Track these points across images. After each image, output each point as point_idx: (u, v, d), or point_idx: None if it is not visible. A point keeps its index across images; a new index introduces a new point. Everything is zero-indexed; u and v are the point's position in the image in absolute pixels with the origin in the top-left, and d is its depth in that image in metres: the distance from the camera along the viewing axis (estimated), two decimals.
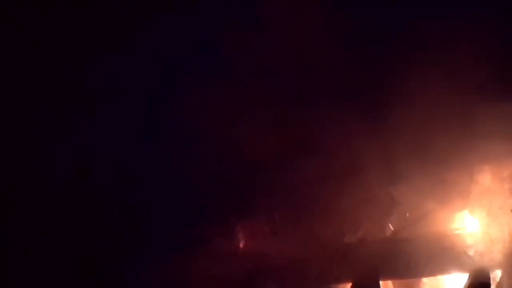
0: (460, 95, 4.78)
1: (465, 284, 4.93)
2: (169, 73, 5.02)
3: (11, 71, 4.86)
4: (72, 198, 4.87)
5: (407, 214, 5.23)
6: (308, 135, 4.88)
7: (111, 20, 4.91)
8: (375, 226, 5.21)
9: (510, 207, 5.00)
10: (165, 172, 4.94)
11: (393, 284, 5.35)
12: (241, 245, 5.08)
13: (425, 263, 4.96)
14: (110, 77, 4.90)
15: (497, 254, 4.94)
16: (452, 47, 4.87)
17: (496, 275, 5.02)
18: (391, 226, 5.24)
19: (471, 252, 5.00)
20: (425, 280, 5.30)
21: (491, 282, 4.94)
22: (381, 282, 5.05)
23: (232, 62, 4.94)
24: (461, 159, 4.96)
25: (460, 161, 4.96)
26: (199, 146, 4.96)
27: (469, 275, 4.93)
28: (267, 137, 4.84)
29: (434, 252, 4.97)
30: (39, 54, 4.86)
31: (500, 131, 4.93)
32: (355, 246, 5.10)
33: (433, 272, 5.09)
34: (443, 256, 4.98)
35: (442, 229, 5.20)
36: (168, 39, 5.00)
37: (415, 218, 5.24)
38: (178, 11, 5.02)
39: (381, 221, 5.20)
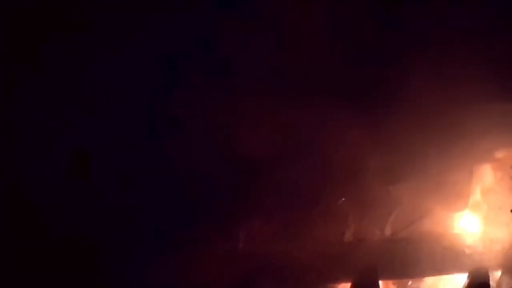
0: (460, 95, 4.79)
1: (465, 284, 4.94)
2: (169, 73, 5.02)
3: (11, 71, 4.85)
4: (72, 198, 4.86)
5: (407, 214, 5.24)
6: (308, 135, 4.88)
7: (111, 20, 4.90)
8: (375, 226, 5.22)
9: (510, 207, 5.02)
10: (165, 172, 4.93)
11: (393, 284, 5.37)
12: (241, 245, 5.07)
13: (425, 263, 4.98)
14: (110, 77, 4.89)
15: (497, 254, 4.95)
16: (451, 47, 4.88)
17: (496, 275, 5.03)
18: (391, 226, 5.24)
19: (471, 252, 5.01)
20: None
21: (491, 282, 4.95)
22: (381, 282, 5.06)
23: (232, 61, 4.95)
24: (461, 159, 4.97)
25: (459, 161, 4.97)
26: (199, 146, 4.96)
27: (469, 275, 4.95)
28: (267, 137, 4.84)
29: (434, 252, 4.99)
30: (39, 53, 4.85)
31: (500, 131, 4.95)
32: (355, 246, 5.10)
33: (433, 272, 5.11)
34: (443, 256, 5.00)
35: (442, 229, 5.21)
36: (168, 38, 5.00)
37: (415, 218, 5.25)
38: (178, 11, 5.02)
39: (381, 221, 5.21)
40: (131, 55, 4.91)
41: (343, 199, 5.11)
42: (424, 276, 5.22)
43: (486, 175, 5.22)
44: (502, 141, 5.02)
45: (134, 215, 4.89)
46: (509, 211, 5.01)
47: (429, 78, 4.84)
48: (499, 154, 5.10)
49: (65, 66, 4.84)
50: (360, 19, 5.02)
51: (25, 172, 4.83)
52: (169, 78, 5.02)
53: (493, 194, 5.16)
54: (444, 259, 5.00)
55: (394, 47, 4.97)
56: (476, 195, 5.18)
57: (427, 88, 4.83)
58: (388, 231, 5.25)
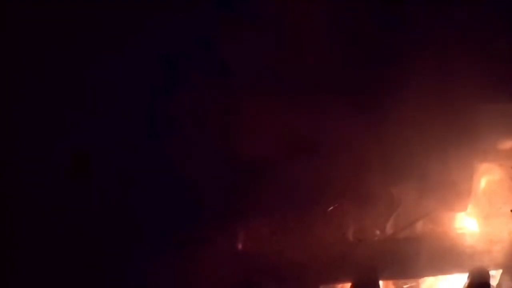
0: (460, 95, 4.79)
1: (465, 284, 4.94)
2: (169, 73, 5.02)
3: (11, 71, 4.85)
4: (72, 198, 4.86)
5: (407, 214, 5.24)
6: (309, 135, 4.88)
7: (111, 20, 4.90)
8: (375, 226, 5.22)
9: (510, 207, 5.02)
10: (165, 172, 4.93)
11: (393, 284, 5.37)
12: (241, 245, 5.07)
13: (425, 263, 4.97)
14: (110, 77, 4.89)
15: (497, 254, 4.95)
16: (451, 47, 4.88)
17: (496, 275, 5.03)
18: (391, 226, 5.25)
19: (471, 252, 5.01)
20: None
21: (491, 282, 4.96)
22: (381, 282, 5.06)
23: (232, 61, 4.94)
24: (461, 159, 4.97)
25: (460, 161, 4.97)
26: (199, 146, 4.96)
27: (469, 275, 4.94)
28: (267, 137, 4.84)
29: (434, 252, 4.98)
30: (39, 53, 4.85)
31: (500, 131, 4.95)
32: (355, 246, 5.10)
33: (433, 272, 5.11)
34: (443, 256, 5.00)
35: (442, 229, 5.22)
36: (168, 38, 5.00)
37: (415, 218, 5.26)
38: (178, 11, 5.02)
39: (381, 221, 5.21)
40: (131, 55, 4.91)
41: (341, 201, 5.11)
42: (424, 276, 5.22)
43: (486, 175, 5.22)
44: (502, 141, 5.02)
45: (134, 215, 4.89)
46: (509, 211, 5.01)
47: (429, 78, 4.84)
48: (499, 154, 5.10)
49: (65, 66, 4.84)
50: (360, 19, 5.02)
51: (25, 172, 4.83)
52: (169, 78, 5.01)
53: (493, 194, 5.16)
54: (444, 259, 5.00)
55: (394, 47, 4.97)
56: (476, 195, 5.18)
57: (427, 88, 4.83)
58: (388, 231, 5.25)
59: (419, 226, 5.27)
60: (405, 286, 5.41)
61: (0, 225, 4.78)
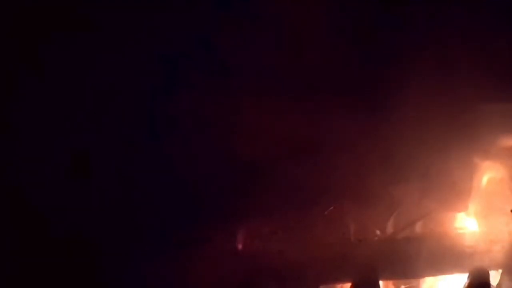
0: (460, 95, 4.79)
1: (465, 284, 4.93)
2: (169, 73, 5.02)
3: (11, 71, 4.85)
4: (72, 198, 4.86)
5: (407, 214, 5.24)
6: (309, 135, 4.88)
7: (111, 20, 4.90)
8: (375, 226, 5.22)
9: (510, 207, 5.01)
10: (165, 172, 4.93)
11: (393, 284, 5.37)
12: (241, 245, 5.07)
13: (425, 263, 4.96)
14: (110, 77, 4.89)
15: (497, 254, 4.95)
16: (451, 47, 4.88)
17: (496, 275, 5.03)
18: (391, 226, 5.25)
19: (471, 252, 5.01)
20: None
21: (491, 282, 4.95)
22: (381, 282, 5.06)
23: (232, 61, 4.94)
24: (461, 159, 4.97)
25: (460, 161, 4.97)
26: (199, 146, 4.96)
27: (469, 275, 4.93)
28: (267, 137, 4.84)
29: (434, 252, 4.97)
30: (39, 53, 4.85)
31: (501, 131, 4.95)
32: (355, 246, 5.10)
33: (433, 272, 5.10)
34: (443, 256, 4.99)
35: (442, 229, 5.21)
36: (168, 38, 4.99)
37: (415, 218, 5.26)
38: (178, 11, 5.02)
39: (381, 221, 5.21)
40: (131, 55, 4.91)
41: (341, 201, 5.11)
42: (424, 276, 5.21)
43: (486, 175, 5.22)
44: (502, 141, 5.02)
45: (134, 215, 4.89)
46: (509, 211, 5.01)
47: (429, 78, 4.83)
48: (500, 154, 5.10)
49: (65, 66, 4.83)
50: (360, 19, 5.02)
51: (25, 172, 4.83)
52: (169, 78, 5.01)
53: (493, 194, 5.15)
54: (444, 259, 4.99)
55: (394, 47, 4.97)
56: (477, 195, 5.17)
57: (427, 88, 4.83)
58: (388, 231, 5.25)
59: (419, 226, 5.26)
60: (405, 286, 5.40)
61: (0, 225, 4.79)
